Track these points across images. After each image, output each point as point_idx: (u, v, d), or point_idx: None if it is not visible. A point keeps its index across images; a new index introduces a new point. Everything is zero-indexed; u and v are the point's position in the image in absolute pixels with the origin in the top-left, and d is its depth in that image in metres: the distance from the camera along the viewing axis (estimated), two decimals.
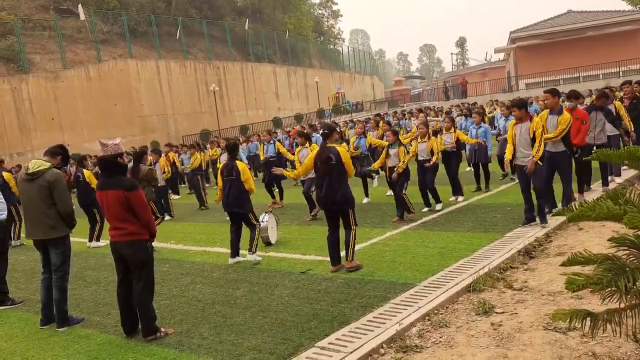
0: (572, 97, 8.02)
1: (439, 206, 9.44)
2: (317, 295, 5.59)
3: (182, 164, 16.01)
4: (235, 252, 7.44)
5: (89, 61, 34.23)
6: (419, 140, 9.70)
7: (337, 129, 7.39)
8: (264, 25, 52.67)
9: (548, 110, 7.71)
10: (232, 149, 7.51)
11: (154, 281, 5.19)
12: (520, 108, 7.07)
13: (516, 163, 7.24)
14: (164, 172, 12.12)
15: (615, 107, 9.11)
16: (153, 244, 8.56)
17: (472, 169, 11.40)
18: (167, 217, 12.48)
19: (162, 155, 13.00)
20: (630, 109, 9.83)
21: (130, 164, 8.62)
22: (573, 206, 2.84)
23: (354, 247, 6.38)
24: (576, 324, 2.84)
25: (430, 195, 9.53)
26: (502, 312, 4.47)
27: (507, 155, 7.35)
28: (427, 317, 4.63)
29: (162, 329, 5.00)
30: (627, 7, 48.63)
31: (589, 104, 10.57)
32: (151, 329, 4.94)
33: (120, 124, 32.62)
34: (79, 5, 34.44)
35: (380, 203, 10.98)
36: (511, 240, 6.69)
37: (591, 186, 9.00)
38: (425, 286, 5.40)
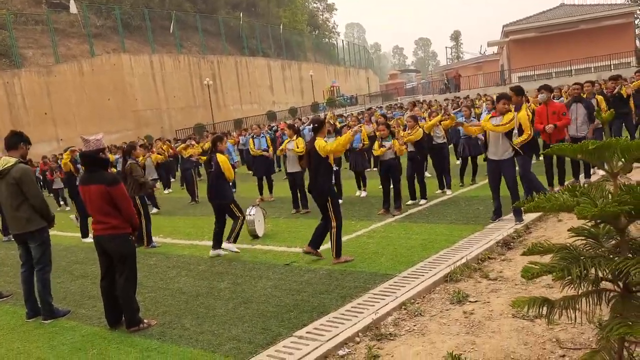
0: (543, 89, 8.13)
1: (423, 202, 9.53)
2: (299, 286, 5.70)
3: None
4: (216, 245, 7.53)
5: (82, 55, 34.17)
6: (409, 131, 9.78)
7: (330, 122, 7.54)
8: (258, 19, 52.57)
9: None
10: (213, 142, 7.64)
11: (137, 274, 5.28)
12: (518, 94, 7.17)
13: (489, 157, 7.31)
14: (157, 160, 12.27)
15: (596, 100, 9.21)
16: (153, 239, 8.79)
17: (461, 163, 11.48)
18: (154, 210, 12.55)
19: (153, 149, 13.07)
20: (612, 104, 9.91)
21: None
22: (532, 197, 2.93)
23: (337, 243, 6.42)
24: (534, 310, 2.94)
25: (418, 189, 9.62)
26: (476, 301, 4.58)
27: (470, 129, 7.53)
28: (403, 307, 4.74)
29: (145, 321, 5.10)
30: (619, 0, 48.84)
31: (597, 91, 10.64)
32: (134, 320, 5.04)
33: (114, 118, 32.60)
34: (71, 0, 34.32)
35: (368, 196, 11.08)
36: (491, 232, 6.82)
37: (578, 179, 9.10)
38: (404, 277, 5.52)
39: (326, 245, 6.67)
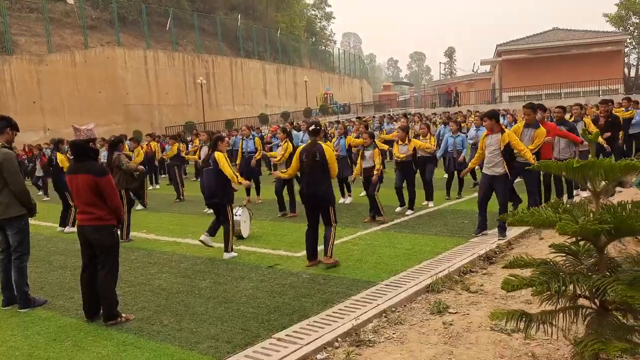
0: (539, 110, 8.24)
1: (409, 212, 9.58)
2: (282, 289, 5.70)
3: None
4: (211, 232, 7.48)
5: (75, 46, 33.94)
6: (399, 142, 9.86)
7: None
8: (255, 22, 52.66)
9: (523, 123, 7.89)
10: (214, 141, 7.58)
11: (119, 267, 5.25)
12: (491, 118, 7.24)
13: (483, 172, 7.39)
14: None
15: (584, 123, 9.37)
16: (130, 233, 8.72)
17: (447, 176, 11.58)
18: (139, 207, 12.47)
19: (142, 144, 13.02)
20: (605, 127, 10.11)
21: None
22: (515, 212, 2.99)
23: (333, 243, 6.52)
24: (512, 323, 2.98)
25: (406, 197, 9.70)
26: (455, 313, 4.61)
27: (471, 165, 7.61)
28: (384, 314, 4.76)
29: (123, 315, 5.06)
30: (610, 28, 49.72)
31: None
32: (112, 314, 4.99)
33: (104, 111, 32.37)
34: None
35: (354, 203, 11.12)
36: (474, 245, 6.88)
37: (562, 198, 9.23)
38: (386, 285, 5.54)
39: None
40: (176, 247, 8.20)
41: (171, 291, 5.90)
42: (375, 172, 9.06)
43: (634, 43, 52.01)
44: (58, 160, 10.25)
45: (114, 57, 33.90)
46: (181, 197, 13.52)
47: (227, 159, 7.42)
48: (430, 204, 10.27)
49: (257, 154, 12.12)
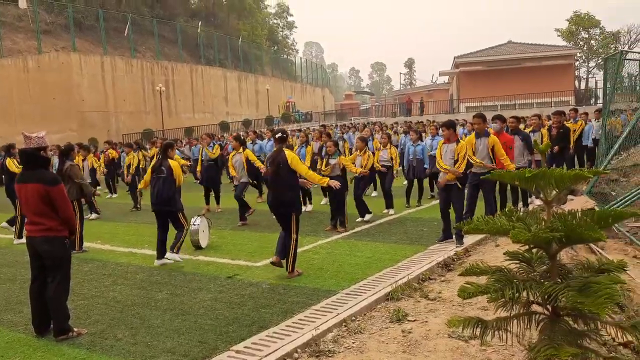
0: (497, 119, 8.46)
1: (368, 217, 9.68)
2: (240, 300, 5.62)
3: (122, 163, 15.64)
4: (161, 254, 7.34)
5: (28, 51, 32.89)
6: (358, 152, 9.94)
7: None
8: (217, 29, 52.29)
9: (474, 134, 8.03)
10: (164, 148, 7.45)
11: (70, 279, 5.06)
12: (449, 128, 7.38)
13: (439, 181, 7.52)
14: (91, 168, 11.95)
15: (541, 134, 9.67)
16: (84, 244, 8.44)
17: (407, 184, 11.72)
18: (93, 216, 12.14)
19: (93, 152, 12.69)
20: (556, 138, 10.46)
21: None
22: (471, 220, 3.04)
23: (294, 257, 6.40)
24: (469, 330, 3.02)
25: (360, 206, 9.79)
26: (414, 320, 4.65)
27: (443, 166, 7.69)
28: (344, 323, 4.75)
29: (75, 329, 4.87)
30: (562, 42, 51.78)
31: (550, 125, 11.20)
32: (63, 328, 4.80)
33: (58, 118, 31.42)
34: None
35: (315, 211, 11.12)
36: (433, 253, 6.98)
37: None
38: (346, 293, 5.54)
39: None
40: (132, 257, 7.99)
41: (126, 303, 5.73)
42: (361, 171, 9.27)
43: (583, 57, 54.25)
44: (7, 166, 9.89)
45: (69, 62, 32.98)
46: (138, 207, 13.20)
47: (179, 159, 7.41)
48: (391, 211, 10.37)
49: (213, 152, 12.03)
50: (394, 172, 10.88)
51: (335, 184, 6.80)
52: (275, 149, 6.72)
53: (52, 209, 4.84)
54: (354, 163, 9.68)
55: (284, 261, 6.45)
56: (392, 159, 10.59)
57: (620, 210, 2.85)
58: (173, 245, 7.21)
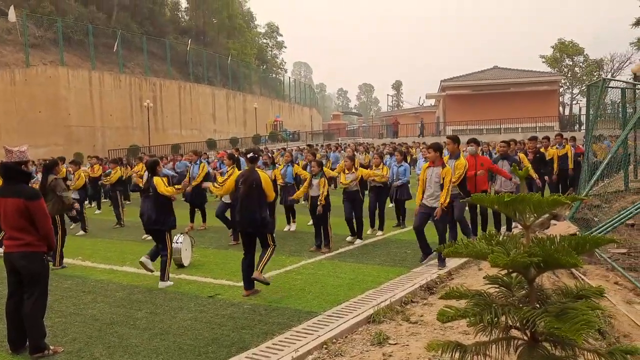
0: (472, 142, 8.58)
1: (357, 241, 9.64)
2: (221, 320, 5.56)
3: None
4: (152, 256, 7.28)
5: (15, 64, 32.70)
6: (345, 171, 9.96)
7: (269, 155, 7.56)
8: (206, 47, 52.49)
9: (447, 156, 8.15)
10: (150, 167, 7.41)
11: (48, 296, 4.98)
12: (436, 151, 7.44)
13: (423, 202, 7.54)
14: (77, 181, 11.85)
15: (519, 158, 9.81)
16: (64, 260, 8.32)
17: (394, 205, 11.74)
18: (80, 232, 12.00)
19: (82, 166, 12.58)
20: (533, 162, 10.60)
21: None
22: (451, 243, 3.05)
23: (267, 261, 6.47)
24: (448, 354, 3.01)
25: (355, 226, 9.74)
26: (395, 344, 4.63)
27: (417, 200, 7.71)
28: (324, 346, 4.71)
29: (51, 347, 4.78)
30: (546, 68, 52.81)
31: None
32: (39, 346, 4.71)
33: (44, 131, 31.17)
34: (11, 7, 32.97)
35: (300, 232, 11.08)
36: (416, 275, 6.97)
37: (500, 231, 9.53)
38: (328, 315, 5.51)
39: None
40: (112, 275, 7.88)
41: (105, 321, 5.64)
42: (319, 202, 9.04)
43: (567, 84, 55.32)
44: None
45: (57, 76, 32.82)
46: (122, 223, 13.06)
47: (164, 180, 7.32)
48: (379, 232, 10.38)
49: (198, 178, 11.90)
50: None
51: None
52: (247, 168, 6.75)
53: (32, 224, 4.78)
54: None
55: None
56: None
57: (598, 236, 2.88)
58: (162, 274, 7.07)
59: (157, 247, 7.31)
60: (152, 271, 7.26)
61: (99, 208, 16.51)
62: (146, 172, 7.87)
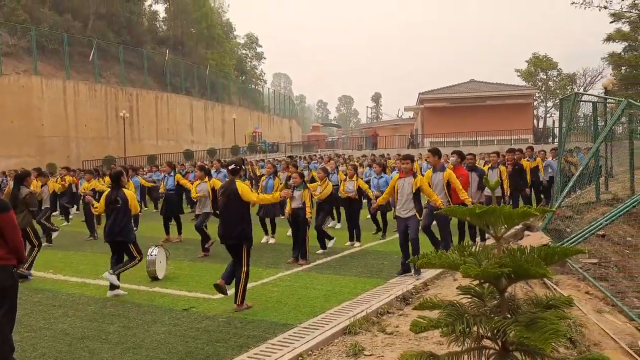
0: (455, 154, 8.68)
1: (330, 243, 9.76)
2: (195, 333, 5.48)
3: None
4: (114, 286, 7.15)
5: None
6: (319, 182, 10.05)
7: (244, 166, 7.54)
8: (184, 57, 52.25)
9: (432, 169, 8.24)
10: (115, 178, 7.31)
11: (17, 310, 4.84)
12: (414, 161, 7.55)
13: (397, 215, 7.63)
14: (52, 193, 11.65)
15: (499, 170, 9.95)
16: (30, 272, 8.12)
17: (372, 216, 11.78)
18: (45, 244, 11.73)
19: (52, 177, 12.36)
20: (511, 175, 10.77)
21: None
22: (423, 254, 3.08)
23: (244, 290, 6.29)
24: None
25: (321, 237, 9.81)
26: (370, 355, 4.63)
27: (380, 200, 7.89)
28: (300, 358, 4.69)
29: None
30: (521, 82, 53.92)
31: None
32: None
33: (16, 142, 30.59)
34: None
35: (277, 244, 11.02)
36: (392, 286, 7.00)
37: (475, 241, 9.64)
38: (304, 327, 5.48)
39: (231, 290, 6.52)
40: (85, 288, 7.72)
41: (75, 336, 5.52)
42: (308, 217, 9.08)
43: (542, 97, 56.51)
44: None
45: (30, 86, 32.30)
46: (95, 235, 12.83)
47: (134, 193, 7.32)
48: (357, 244, 10.40)
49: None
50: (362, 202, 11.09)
51: (286, 193, 7.19)
52: (227, 180, 6.72)
53: (0, 237, 4.66)
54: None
55: (230, 290, 6.41)
56: (359, 190, 10.71)
57: (566, 247, 2.93)
58: (117, 267, 7.03)
59: (117, 259, 7.29)
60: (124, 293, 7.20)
61: (67, 220, 16.18)
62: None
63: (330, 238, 9.86)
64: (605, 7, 23.12)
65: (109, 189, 7.41)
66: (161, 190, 12.28)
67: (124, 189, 7.14)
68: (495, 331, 2.79)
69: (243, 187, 6.48)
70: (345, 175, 11.39)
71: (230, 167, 6.73)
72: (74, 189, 16.79)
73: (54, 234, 12.36)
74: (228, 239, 6.42)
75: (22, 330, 5.59)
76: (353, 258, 9.29)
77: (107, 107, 37.00)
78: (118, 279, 7.17)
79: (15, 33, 36.38)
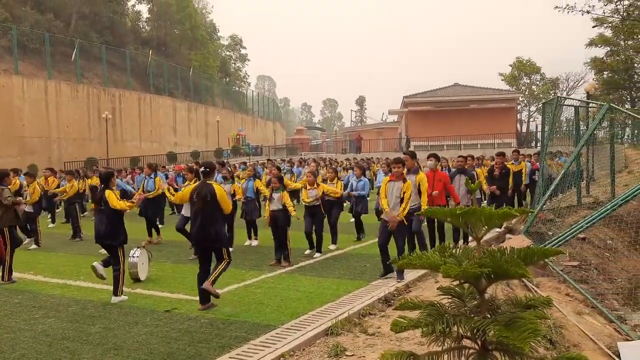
0: (432, 157, 8.76)
1: (317, 255, 9.67)
2: (177, 334, 5.46)
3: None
4: (105, 263, 7.18)
5: None
6: (307, 187, 10.01)
7: (228, 168, 7.53)
8: (168, 58, 51.90)
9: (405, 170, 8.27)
10: (105, 178, 7.23)
11: None
12: (403, 165, 7.59)
13: (382, 217, 7.65)
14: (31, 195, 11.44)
15: (476, 173, 10.06)
16: (13, 274, 8.00)
17: (354, 219, 11.82)
18: (32, 246, 11.59)
19: (37, 178, 12.19)
20: (499, 178, 10.89)
21: None
22: (404, 255, 3.11)
23: (219, 273, 6.38)
24: None
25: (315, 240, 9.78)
26: (352, 355, 4.65)
27: (385, 206, 7.85)
28: (282, 358, 4.70)
29: None
30: (505, 86, 54.55)
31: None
32: None
33: None
34: None
35: (261, 246, 11.00)
36: (374, 288, 7.04)
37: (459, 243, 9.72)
38: (286, 328, 5.49)
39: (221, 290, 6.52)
40: (66, 289, 7.63)
41: (55, 337, 5.46)
42: (292, 213, 9.14)
43: (525, 101, 57.21)
44: None
45: (11, 85, 31.81)
46: (81, 236, 12.68)
47: (116, 194, 7.17)
48: (333, 246, 10.40)
49: (154, 192, 11.79)
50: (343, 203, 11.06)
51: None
52: (200, 182, 6.70)
53: None
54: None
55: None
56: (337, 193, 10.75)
57: (545, 248, 2.99)
58: (115, 289, 6.89)
59: (117, 271, 7.12)
60: (103, 278, 7.11)
61: (52, 222, 15.97)
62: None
63: (319, 251, 9.79)
64: (588, 12, 23.51)
65: (99, 191, 7.24)
66: (140, 191, 12.19)
67: (107, 191, 7.04)
68: (475, 331, 2.82)
69: (221, 191, 6.49)
70: (325, 179, 11.42)
71: (202, 170, 6.75)
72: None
73: (27, 240, 12.15)
74: (203, 242, 6.42)
75: (1, 332, 5.54)
76: (336, 260, 9.32)
77: (89, 107, 36.58)
78: (122, 293, 7.01)
79: None
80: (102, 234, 7.03)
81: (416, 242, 8.26)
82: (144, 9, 57.24)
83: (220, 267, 6.38)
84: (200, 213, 6.39)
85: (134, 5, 55.60)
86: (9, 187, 8.56)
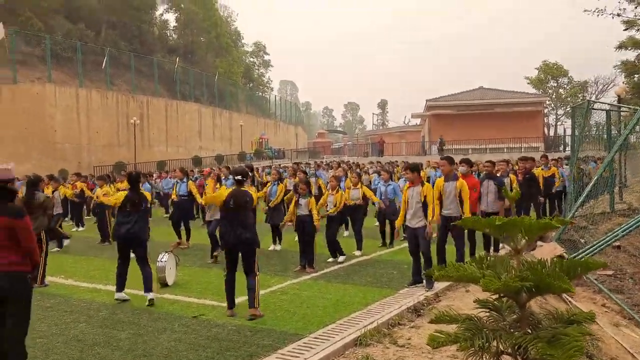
0: (464, 163, 8.58)
1: (341, 258, 9.61)
2: (205, 341, 5.45)
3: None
4: (121, 287, 7.19)
5: (3, 81, 32.40)
6: (331, 191, 9.99)
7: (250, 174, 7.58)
8: (194, 66, 52.57)
9: (443, 177, 8.07)
10: (134, 180, 7.32)
11: (30, 317, 4.83)
12: (413, 171, 7.45)
13: (407, 225, 7.53)
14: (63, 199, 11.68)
15: (510, 179, 9.78)
16: (47, 277, 8.15)
17: (379, 225, 11.70)
18: (55, 249, 11.76)
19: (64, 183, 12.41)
20: (522, 184, 10.60)
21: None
22: (441, 267, 3.03)
23: (258, 293, 6.40)
24: None
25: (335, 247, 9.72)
26: None
27: (399, 221, 7.73)
28: None
29: None
30: (531, 89, 53.68)
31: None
32: None
33: (29, 148, 30.88)
34: (0, 24, 32.71)
35: (285, 250, 10.97)
36: (403, 297, 6.91)
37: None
38: (314, 338, 5.43)
39: (241, 298, 6.52)
40: (96, 294, 7.72)
41: (87, 342, 5.51)
42: (316, 221, 9.09)
43: (552, 105, 56.19)
44: None
45: (44, 93, 32.61)
46: (109, 240, 12.84)
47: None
48: (358, 252, 10.30)
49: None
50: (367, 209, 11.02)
51: None
52: (235, 187, 6.71)
53: (16, 243, 4.65)
54: (326, 205, 9.80)
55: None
56: (364, 197, 10.68)
57: (589, 260, 2.88)
58: (147, 286, 7.03)
59: (122, 270, 7.27)
60: (127, 299, 7.24)
61: (76, 226, 16.21)
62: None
63: (343, 254, 9.73)
64: (618, 15, 22.92)
65: (129, 192, 7.37)
66: (173, 196, 12.30)
67: (143, 191, 7.23)
68: (516, 347, 2.73)
69: (256, 196, 6.61)
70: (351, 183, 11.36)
71: (236, 178, 6.75)
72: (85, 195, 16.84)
73: (66, 242, 12.42)
74: (238, 245, 6.43)
75: (34, 336, 5.58)
76: (361, 267, 9.22)
77: (118, 114, 37.27)
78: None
79: (30, 41, 36.80)
80: (134, 233, 7.14)
81: (421, 256, 7.89)
82: (171, 18, 58.27)
83: (256, 287, 6.35)
84: (235, 218, 6.43)
85: (161, 15, 56.68)
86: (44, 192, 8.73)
